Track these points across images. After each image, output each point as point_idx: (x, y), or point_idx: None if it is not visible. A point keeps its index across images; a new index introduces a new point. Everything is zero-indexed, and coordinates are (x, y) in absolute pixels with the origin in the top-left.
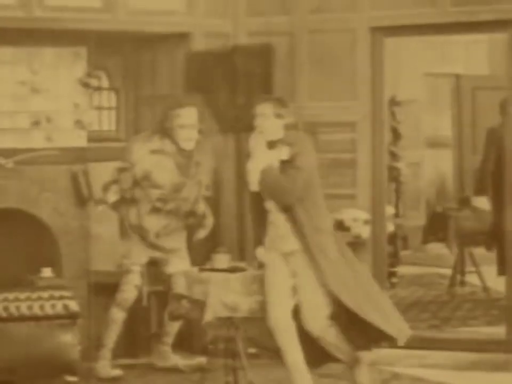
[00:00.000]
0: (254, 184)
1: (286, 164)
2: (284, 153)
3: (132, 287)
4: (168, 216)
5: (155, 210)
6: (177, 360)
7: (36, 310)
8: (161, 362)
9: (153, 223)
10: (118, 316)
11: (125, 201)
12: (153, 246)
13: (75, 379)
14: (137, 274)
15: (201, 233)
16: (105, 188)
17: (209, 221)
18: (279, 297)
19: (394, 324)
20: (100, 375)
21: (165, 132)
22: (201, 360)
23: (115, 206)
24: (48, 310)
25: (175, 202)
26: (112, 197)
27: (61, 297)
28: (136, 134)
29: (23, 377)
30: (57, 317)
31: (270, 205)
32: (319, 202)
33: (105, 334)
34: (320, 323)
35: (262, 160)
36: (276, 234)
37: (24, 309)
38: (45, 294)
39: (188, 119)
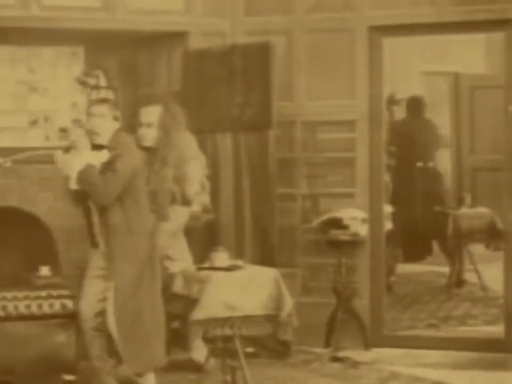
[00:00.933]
0: (73, 181)
1: (105, 166)
2: (104, 154)
3: None
4: None
5: None
6: None
7: (34, 309)
8: None
9: None
10: None
11: None
12: None
13: (73, 378)
14: None
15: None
16: None
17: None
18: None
19: (140, 351)
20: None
21: (133, 128)
22: None
23: None
24: (46, 309)
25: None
26: None
27: (59, 296)
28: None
29: (21, 376)
30: (55, 316)
31: (91, 204)
32: (140, 204)
33: None
34: (86, 330)
35: (83, 158)
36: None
37: (22, 308)
38: (43, 293)
39: (146, 117)
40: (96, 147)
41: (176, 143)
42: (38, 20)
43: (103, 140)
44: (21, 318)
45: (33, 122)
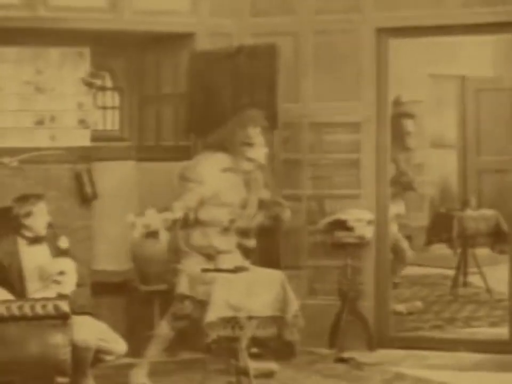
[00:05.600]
0: None
1: None
2: None
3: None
4: (233, 234)
5: (225, 230)
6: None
7: (27, 310)
8: None
9: (222, 242)
10: (165, 331)
11: (186, 222)
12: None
13: (66, 380)
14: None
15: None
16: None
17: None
18: None
19: None
20: (130, 382)
21: (234, 149)
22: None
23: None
24: (39, 310)
25: (241, 219)
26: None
27: (52, 298)
28: (140, 135)
29: (13, 378)
30: (48, 317)
31: None
32: None
33: (149, 347)
34: None
35: None
36: None
37: (14, 309)
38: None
39: (256, 137)
40: None
41: None
42: (44, 20)
43: None
44: (14, 319)
45: (39, 123)
